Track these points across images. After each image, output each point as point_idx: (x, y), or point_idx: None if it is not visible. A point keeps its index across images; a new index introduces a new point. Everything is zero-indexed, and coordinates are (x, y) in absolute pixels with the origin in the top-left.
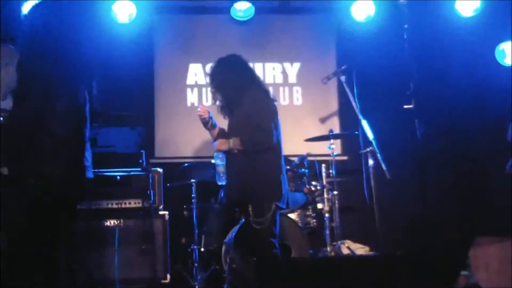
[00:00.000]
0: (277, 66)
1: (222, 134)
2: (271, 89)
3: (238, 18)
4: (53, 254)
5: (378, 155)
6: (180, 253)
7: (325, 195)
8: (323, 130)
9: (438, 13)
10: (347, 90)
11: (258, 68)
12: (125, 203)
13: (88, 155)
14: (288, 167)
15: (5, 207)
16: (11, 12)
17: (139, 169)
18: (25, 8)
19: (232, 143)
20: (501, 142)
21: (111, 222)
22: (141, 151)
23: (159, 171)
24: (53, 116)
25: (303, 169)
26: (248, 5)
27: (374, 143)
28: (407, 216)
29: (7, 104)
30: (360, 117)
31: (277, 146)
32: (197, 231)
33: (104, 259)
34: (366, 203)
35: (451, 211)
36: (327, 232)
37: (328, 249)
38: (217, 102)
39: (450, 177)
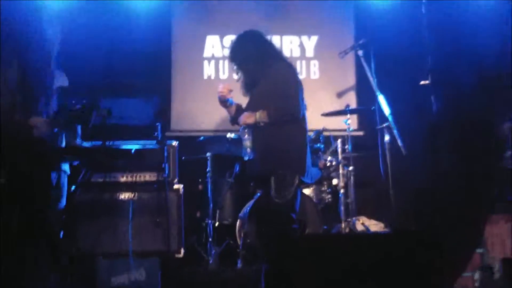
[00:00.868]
0: (295, 39)
1: (240, 111)
2: None
3: None
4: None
5: (395, 131)
6: (194, 227)
7: (341, 171)
8: (339, 105)
9: None
10: (364, 64)
11: (275, 40)
12: (139, 176)
13: None
14: None
15: None
16: None
17: (154, 142)
18: None
19: (259, 115)
20: None
21: (125, 195)
22: (157, 123)
23: (174, 145)
24: None
25: (318, 144)
26: None
27: (390, 118)
28: (422, 193)
29: None
30: (377, 92)
31: (303, 119)
32: (211, 205)
33: (118, 232)
34: (381, 179)
35: (466, 188)
36: (342, 208)
37: (343, 225)
38: (239, 78)
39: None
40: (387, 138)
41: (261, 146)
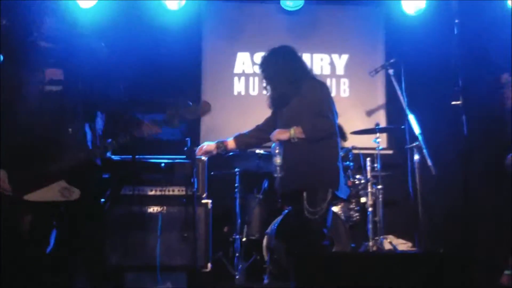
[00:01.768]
0: (325, 57)
1: (241, 139)
2: None
3: (287, 8)
4: None
5: (424, 150)
6: (222, 242)
7: (369, 189)
8: (369, 123)
9: (490, 9)
10: (395, 83)
11: (306, 58)
12: (168, 190)
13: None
14: None
15: None
16: None
17: (184, 156)
18: None
19: (293, 132)
20: None
21: (154, 209)
22: (186, 138)
23: (203, 159)
24: None
25: (347, 162)
26: None
27: (420, 138)
28: (451, 213)
29: None
30: (407, 111)
31: (336, 135)
32: (239, 221)
33: (146, 245)
34: (410, 198)
35: (495, 209)
36: (370, 226)
37: (370, 243)
38: (267, 93)
39: (494, 176)
40: (416, 157)
41: (293, 162)
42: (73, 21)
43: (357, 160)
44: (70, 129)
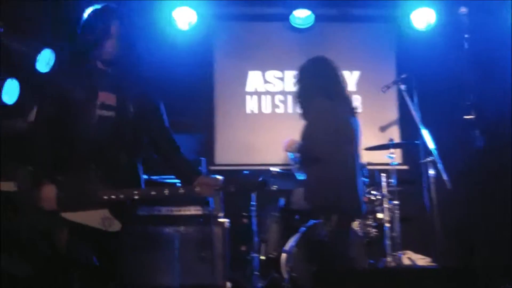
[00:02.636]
0: None
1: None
2: None
3: (297, 26)
4: None
5: (439, 165)
6: (240, 261)
7: (385, 205)
8: (383, 139)
9: (500, 23)
10: (407, 99)
11: None
12: (185, 210)
13: None
14: None
15: None
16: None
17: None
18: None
19: (294, 146)
20: None
21: (170, 229)
22: (201, 158)
23: (219, 179)
24: None
25: (363, 178)
26: (307, 13)
27: (434, 152)
28: (468, 227)
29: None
30: (421, 126)
31: (343, 158)
32: (256, 239)
33: (163, 266)
34: (426, 213)
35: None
36: (387, 242)
37: (389, 259)
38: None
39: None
40: (431, 172)
41: (311, 179)
42: (133, 46)
43: (372, 176)
44: (122, 159)
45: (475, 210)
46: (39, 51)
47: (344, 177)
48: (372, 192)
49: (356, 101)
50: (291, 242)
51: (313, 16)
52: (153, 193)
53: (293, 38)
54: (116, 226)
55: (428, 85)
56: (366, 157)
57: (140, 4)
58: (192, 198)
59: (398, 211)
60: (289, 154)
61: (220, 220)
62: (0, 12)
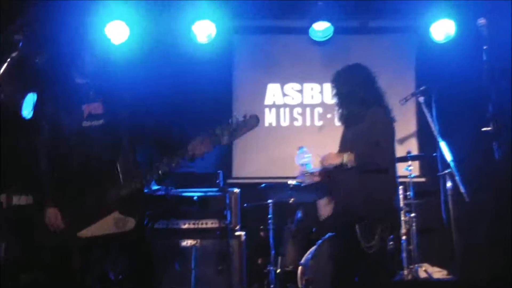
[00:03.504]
0: None
1: None
2: None
3: (316, 39)
4: None
5: (457, 177)
6: (257, 274)
7: (402, 217)
8: (401, 151)
9: None
10: (426, 111)
11: None
12: (202, 223)
13: None
14: None
15: None
16: None
17: (217, 189)
18: None
19: (347, 158)
20: None
21: (188, 242)
22: (218, 171)
23: (236, 192)
24: None
25: None
26: (327, 25)
27: (452, 165)
28: (486, 240)
29: None
30: (439, 138)
31: (393, 168)
32: (273, 252)
33: (180, 279)
34: (444, 226)
35: None
36: (404, 254)
37: (405, 272)
38: (337, 107)
39: None
40: (449, 184)
41: (345, 192)
42: (107, 56)
43: None
44: (118, 162)
45: (493, 223)
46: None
47: (396, 187)
48: None
49: None
50: (307, 255)
51: (332, 28)
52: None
53: (313, 51)
54: (130, 223)
55: (447, 97)
56: None
57: (160, 17)
58: (210, 212)
59: (415, 224)
60: (307, 166)
61: (237, 233)
62: (20, 26)
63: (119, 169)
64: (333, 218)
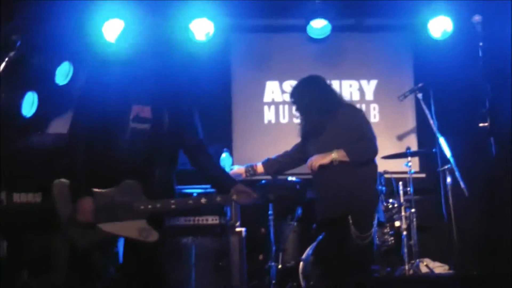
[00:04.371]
0: (354, 83)
1: (270, 164)
2: None
3: (314, 36)
4: None
5: (456, 173)
6: (257, 270)
7: (403, 213)
8: (400, 148)
9: None
10: (424, 107)
11: (335, 85)
12: (202, 220)
13: None
14: None
15: None
16: None
17: None
18: None
19: (337, 155)
20: None
21: (188, 239)
22: None
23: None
24: None
25: (380, 187)
26: (324, 23)
27: (452, 160)
28: (486, 235)
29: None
30: (438, 134)
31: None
32: (274, 248)
33: (181, 276)
34: (444, 221)
35: None
36: (405, 250)
37: (406, 267)
38: (299, 123)
39: None
40: (449, 180)
41: (336, 187)
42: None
43: (390, 185)
44: (157, 171)
45: (492, 218)
46: (58, 65)
47: (377, 178)
48: (390, 200)
49: (374, 110)
50: (308, 251)
51: (329, 26)
52: (190, 202)
53: (310, 48)
54: (154, 236)
55: (445, 93)
56: (383, 165)
57: (157, 16)
58: (209, 208)
59: (415, 219)
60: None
61: (237, 229)
62: (18, 26)
63: (156, 180)
64: (325, 213)
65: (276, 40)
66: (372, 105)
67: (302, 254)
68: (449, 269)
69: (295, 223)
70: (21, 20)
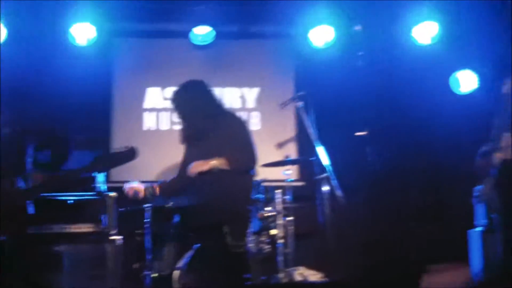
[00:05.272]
0: (236, 90)
1: (165, 186)
2: None
3: (197, 43)
4: None
5: (333, 181)
6: (133, 279)
7: (280, 221)
8: (280, 156)
9: (394, 41)
10: (304, 116)
11: (216, 92)
12: (76, 228)
13: None
14: None
15: None
16: None
17: (92, 192)
18: None
19: (217, 163)
20: (454, 170)
21: (61, 247)
22: (94, 174)
23: (112, 195)
24: None
25: (258, 195)
26: (208, 29)
27: (328, 169)
28: (362, 241)
29: None
30: (316, 143)
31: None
32: (150, 257)
33: (54, 285)
34: (321, 228)
35: (402, 236)
36: (281, 258)
37: (281, 275)
38: (182, 128)
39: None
40: (326, 188)
41: (213, 195)
42: None
43: (268, 192)
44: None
45: (368, 225)
46: None
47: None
48: (266, 208)
49: (256, 117)
50: (184, 259)
51: (213, 33)
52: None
53: (194, 55)
54: None
55: (326, 102)
56: (262, 173)
57: (35, 19)
58: (85, 216)
59: (292, 227)
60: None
61: (113, 237)
62: None
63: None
64: (201, 221)
65: (159, 46)
66: (254, 113)
67: (178, 263)
68: (323, 276)
69: (172, 231)
70: None
